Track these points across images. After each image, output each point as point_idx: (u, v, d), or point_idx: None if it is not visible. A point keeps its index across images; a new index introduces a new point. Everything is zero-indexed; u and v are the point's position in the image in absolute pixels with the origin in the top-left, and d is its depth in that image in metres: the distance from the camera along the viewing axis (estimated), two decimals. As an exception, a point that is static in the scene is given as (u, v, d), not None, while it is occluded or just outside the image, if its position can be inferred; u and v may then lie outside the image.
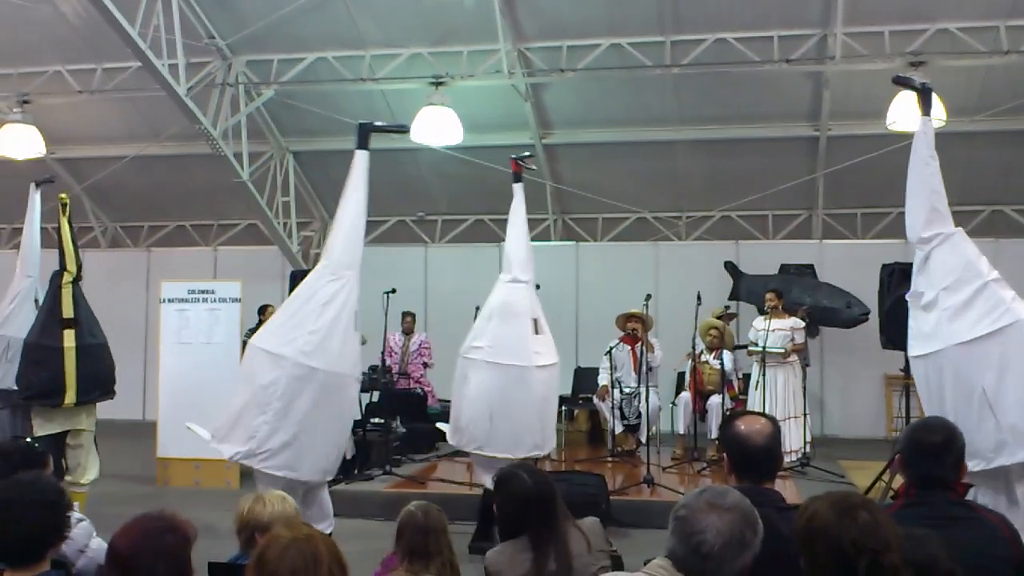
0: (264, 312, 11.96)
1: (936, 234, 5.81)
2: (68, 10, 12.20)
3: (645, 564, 2.58)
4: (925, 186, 5.89)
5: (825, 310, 12.55)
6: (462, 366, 7.39)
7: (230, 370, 8.61)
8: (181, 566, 2.87)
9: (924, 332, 5.75)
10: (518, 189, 7.94)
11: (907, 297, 6.05)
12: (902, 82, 6.86)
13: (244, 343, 10.94)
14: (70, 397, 7.56)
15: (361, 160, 6.66)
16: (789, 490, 8.33)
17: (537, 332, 7.38)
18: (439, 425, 8.37)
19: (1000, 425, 5.41)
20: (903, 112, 11.06)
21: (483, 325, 7.43)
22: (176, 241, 16.22)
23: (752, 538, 2.45)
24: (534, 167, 8.65)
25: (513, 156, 8.14)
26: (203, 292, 10.75)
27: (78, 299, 7.76)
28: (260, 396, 5.91)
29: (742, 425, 3.35)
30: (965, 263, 5.76)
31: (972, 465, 5.46)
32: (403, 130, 8.21)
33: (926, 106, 6.14)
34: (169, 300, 10.72)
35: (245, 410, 5.97)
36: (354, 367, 6.25)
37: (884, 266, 9.76)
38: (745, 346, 10.75)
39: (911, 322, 5.95)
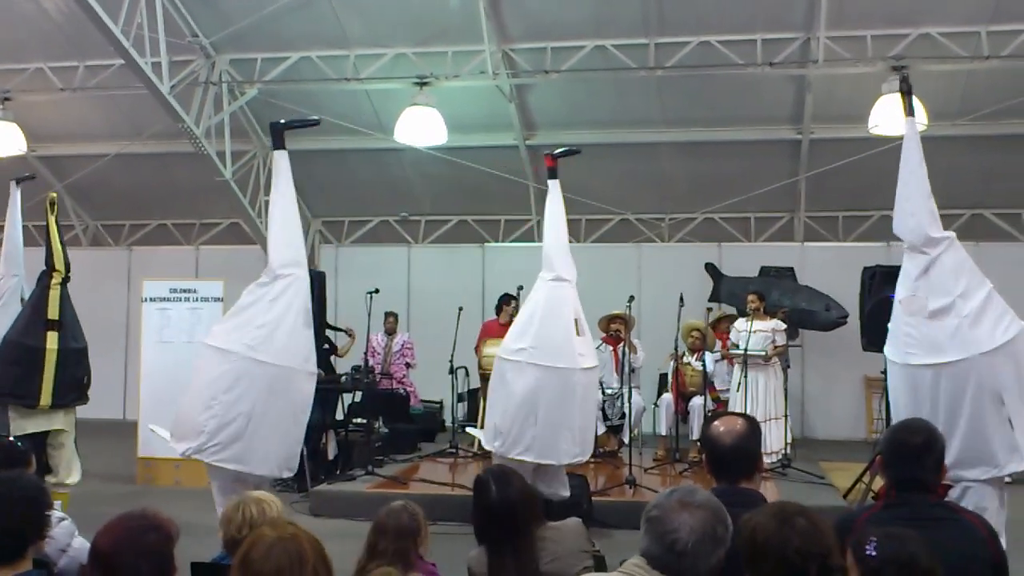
0: (246, 311, 11.95)
1: (945, 237, 5.70)
2: (51, 7, 12.13)
3: (621, 564, 2.60)
4: (922, 188, 5.78)
5: (804, 312, 12.61)
6: (501, 368, 7.12)
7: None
8: (164, 565, 2.87)
9: (936, 340, 5.60)
10: (554, 186, 7.62)
11: (898, 301, 5.97)
12: (903, 82, 6.71)
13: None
14: (45, 399, 7.50)
15: (279, 160, 6.74)
16: (770, 491, 8.36)
17: (578, 333, 7.16)
18: (469, 430, 8.21)
19: (1015, 433, 5.44)
20: (885, 116, 11.14)
21: (525, 325, 7.13)
22: (158, 240, 16.15)
23: (724, 533, 2.48)
24: (578, 149, 8.41)
25: (549, 152, 7.82)
26: (185, 291, 10.71)
27: (64, 301, 7.72)
28: (209, 391, 5.99)
29: (714, 426, 3.39)
30: (971, 268, 5.70)
31: (979, 473, 5.52)
32: (314, 123, 7.91)
33: (910, 107, 6.06)
34: (150, 299, 10.67)
35: (194, 406, 6.03)
36: (305, 361, 6.23)
37: (865, 269, 9.83)
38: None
39: (908, 329, 5.80)
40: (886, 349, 5.98)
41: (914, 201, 5.84)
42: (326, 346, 10.89)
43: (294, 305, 6.23)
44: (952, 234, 5.82)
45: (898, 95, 6.53)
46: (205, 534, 4.30)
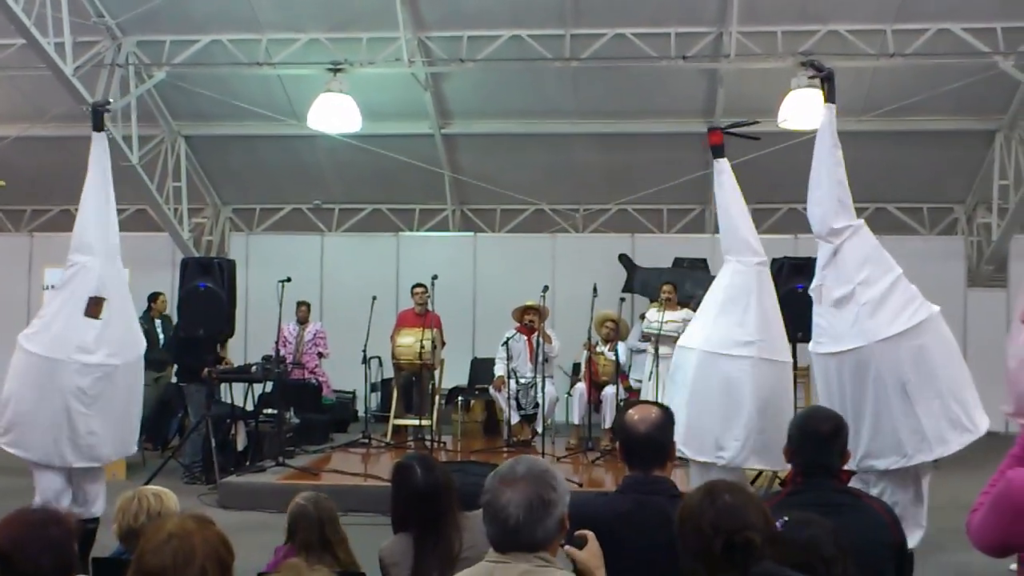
0: (155, 300, 11.68)
1: (847, 226, 5.77)
2: (-54, -18, 11.64)
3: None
4: (831, 177, 5.83)
5: (717, 303, 12.79)
6: (705, 362, 6.19)
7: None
8: (66, 558, 2.79)
9: (838, 328, 5.67)
10: (723, 164, 6.68)
11: (810, 292, 6.06)
12: (812, 64, 6.72)
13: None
14: None
15: (94, 144, 6.78)
16: (680, 479, 8.47)
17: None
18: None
19: (921, 422, 5.45)
20: (794, 110, 11.36)
21: (742, 315, 6.22)
22: (61, 226, 15.59)
23: (552, 493, 2.50)
24: (756, 137, 7.24)
25: (716, 126, 6.88)
26: (89, 278, 10.38)
27: None
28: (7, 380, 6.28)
29: (629, 414, 3.41)
30: (878, 256, 5.75)
31: (889, 463, 5.54)
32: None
33: (830, 94, 6.07)
34: (53, 287, 10.36)
35: None
36: (79, 352, 6.17)
37: (774, 260, 9.96)
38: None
39: (816, 319, 5.89)
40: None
41: (822, 190, 5.91)
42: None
43: (76, 294, 6.28)
44: (858, 222, 5.86)
45: (809, 89, 6.58)
46: (108, 527, 4.19)
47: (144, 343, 6.70)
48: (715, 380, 6.12)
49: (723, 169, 6.64)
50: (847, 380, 5.66)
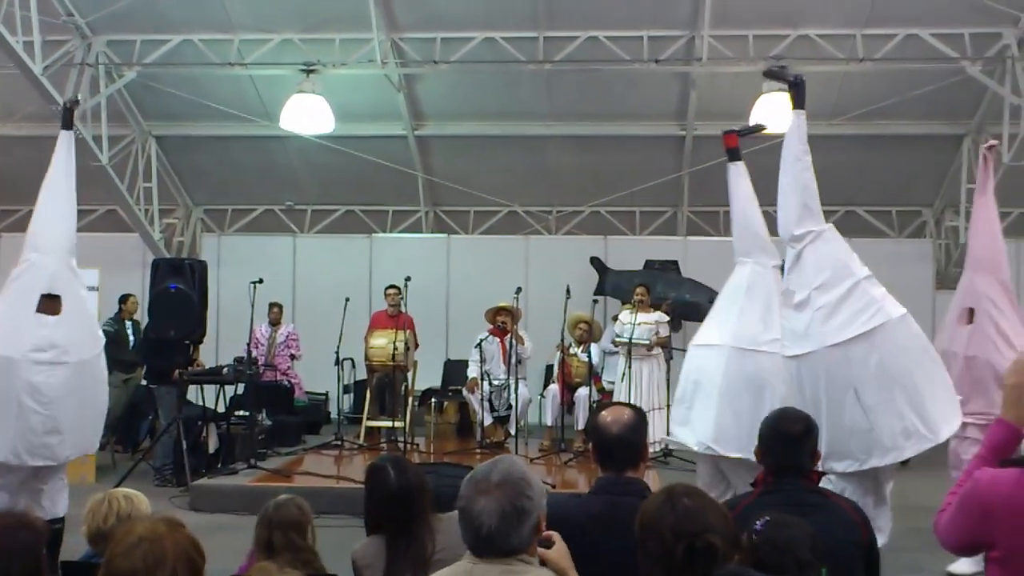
0: (125, 301, 11.59)
1: (808, 231, 5.79)
2: (-88, -21, 11.50)
3: None
4: (797, 182, 5.87)
5: (687, 304, 12.88)
6: (735, 358, 6.21)
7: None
8: (35, 563, 2.77)
9: (797, 332, 5.71)
10: (739, 167, 6.75)
11: (780, 295, 6.11)
12: (774, 75, 6.77)
13: (107, 333, 10.58)
14: None
15: (60, 142, 6.72)
16: (652, 480, 8.52)
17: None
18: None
19: (873, 427, 5.45)
20: (766, 114, 11.43)
21: (761, 312, 6.31)
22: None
23: (527, 501, 2.51)
24: (763, 127, 7.47)
25: (730, 129, 6.94)
26: (58, 279, 10.27)
27: None
28: None
29: (602, 415, 3.41)
30: (837, 261, 5.75)
31: (845, 466, 5.57)
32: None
33: (799, 100, 6.08)
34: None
35: None
36: (29, 350, 6.05)
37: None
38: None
39: (782, 321, 5.94)
40: None
41: (785, 195, 5.96)
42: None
43: (26, 291, 6.16)
44: (822, 227, 5.90)
45: (781, 92, 6.59)
46: (76, 530, 4.15)
47: (102, 341, 6.62)
48: (747, 376, 6.18)
49: (740, 172, 6.73)
50: (805, 383, 5.72)
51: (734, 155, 6.77)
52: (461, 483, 2.63)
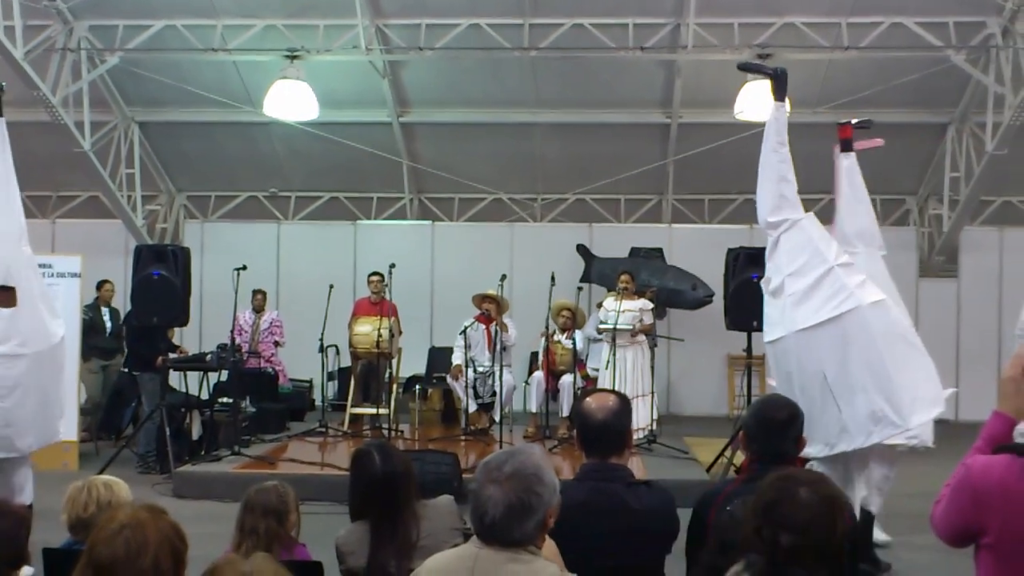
0: (101, 288, 11.50)
1: (783, 220, 5.90)
2: None
3: None
4: (774, 173, 5.98)
5: (672, 292, 12.92)
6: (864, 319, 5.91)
7: (68, 348, 8.20)
8: (18, 550, 2.76)
9: (772, 318, 5.84)
10: (850, 159, 6.82)
11: (761, 283, 6.17)
12: (750, 68, 6.84)
13: (84, 320, 10.54)
14: None
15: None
16: (636, 466, 8.56)
17: None
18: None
19: (841, 412, 5.53)
20: (751, 102, 11.47)
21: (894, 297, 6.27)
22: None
23: (536, 498, 2.52)
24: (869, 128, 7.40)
25: (845, 121, 7.06)
26: (40, 266, 10.13)
27: None
28: None
29: (586, 402, 3.42)
30: (811, 249, 5.83)
31: (816, 451, 5.64)
32: None
33: (779, 92, 6.17)
34: (2, 274, 10.15)
35: None
36: None
37: (730, 250, 10.08)
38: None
39: (764, 307, 6.06)
40: None
41: (763, 185, 6.10)
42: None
43: None
44: (798, 216, 5.97)
45: (765, 81, 6.66)
46: (53, 517, 4.14)
47: (63, 329, 6.58)
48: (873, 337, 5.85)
49: (853, 162, 6.79)
50: (780, 367, 5.83)
51: (847, 145, 6.84)
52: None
